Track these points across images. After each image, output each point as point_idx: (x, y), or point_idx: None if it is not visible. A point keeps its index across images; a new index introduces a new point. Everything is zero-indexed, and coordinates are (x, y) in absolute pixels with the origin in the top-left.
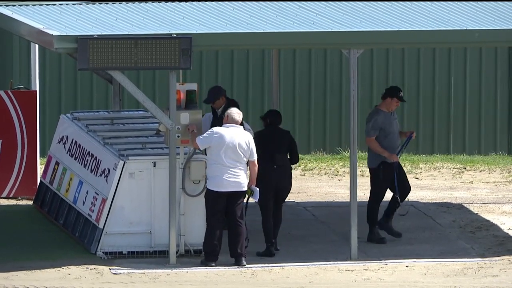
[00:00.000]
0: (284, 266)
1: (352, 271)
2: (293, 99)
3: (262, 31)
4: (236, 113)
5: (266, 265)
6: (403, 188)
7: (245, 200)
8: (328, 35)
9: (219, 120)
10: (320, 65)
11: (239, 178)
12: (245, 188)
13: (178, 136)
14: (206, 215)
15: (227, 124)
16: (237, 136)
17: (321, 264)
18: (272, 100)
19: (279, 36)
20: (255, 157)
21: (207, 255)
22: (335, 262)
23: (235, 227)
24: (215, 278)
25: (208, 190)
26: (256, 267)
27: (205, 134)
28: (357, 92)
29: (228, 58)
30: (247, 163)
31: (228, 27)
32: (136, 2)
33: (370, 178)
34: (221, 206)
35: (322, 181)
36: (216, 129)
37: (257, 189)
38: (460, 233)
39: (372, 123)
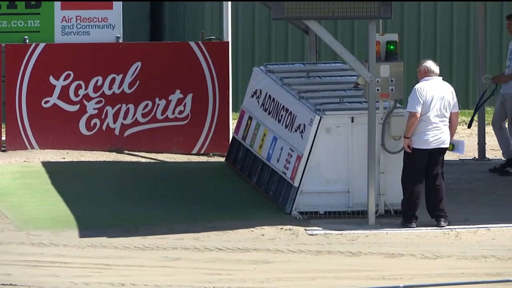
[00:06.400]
0: (490, 227)
1: None
2: (500, 51)
3: None
4: (433, 64)
5: (471, 226)
6: None
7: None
8: None
9: None
10: None
11: (443, 134)
12: (447, 145)
13: (378, 90)
14: (404, 173)
15: (427, 78)
16: (442, 89)
17: None
18: (477, 53)
19: None
20: (458, 108)
21: (406, 215)
22: None
23: (435, 186)
24: (416, 240)
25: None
26: (460, 228)
27: (411, 98)
28: None
29: (431, 8)
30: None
31: None
32: None
33: None
34: (423, 164)
35: None
36: (420, 85)
37: (462, 141)
38: None
39: None
